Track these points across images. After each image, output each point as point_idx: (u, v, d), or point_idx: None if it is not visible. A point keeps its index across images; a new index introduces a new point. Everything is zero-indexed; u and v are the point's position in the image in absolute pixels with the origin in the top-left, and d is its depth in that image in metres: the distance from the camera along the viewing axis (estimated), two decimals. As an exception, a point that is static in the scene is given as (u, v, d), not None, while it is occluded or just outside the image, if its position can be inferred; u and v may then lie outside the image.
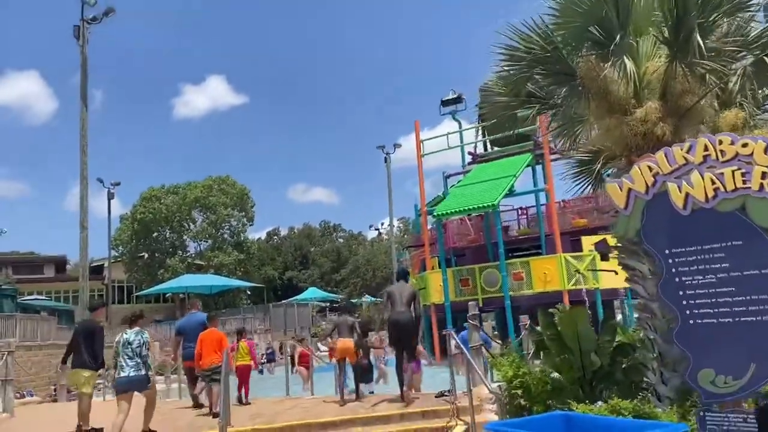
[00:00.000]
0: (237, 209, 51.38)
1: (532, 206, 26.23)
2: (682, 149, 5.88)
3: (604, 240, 23.80)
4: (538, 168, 27.12)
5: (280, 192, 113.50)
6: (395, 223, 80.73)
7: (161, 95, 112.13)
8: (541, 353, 9.54)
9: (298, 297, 51.81)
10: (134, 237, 48.62)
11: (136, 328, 8.17)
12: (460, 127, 29.01)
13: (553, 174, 23.09)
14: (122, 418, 7.77)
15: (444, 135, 26.08)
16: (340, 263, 76.67)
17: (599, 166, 11.16)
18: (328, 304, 59.20)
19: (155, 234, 49.47)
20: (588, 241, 22.44)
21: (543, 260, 21.97)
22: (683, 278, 5.92)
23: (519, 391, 8.06)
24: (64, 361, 9.20)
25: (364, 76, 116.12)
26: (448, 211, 22.25)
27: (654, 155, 6.23)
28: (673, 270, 5.89)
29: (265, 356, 29.40)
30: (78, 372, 8.45)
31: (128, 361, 7.86)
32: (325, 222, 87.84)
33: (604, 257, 23.66)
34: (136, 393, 8.01)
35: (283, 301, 48.22)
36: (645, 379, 8.03)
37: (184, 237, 51.21)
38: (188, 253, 51.18)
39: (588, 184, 11.91)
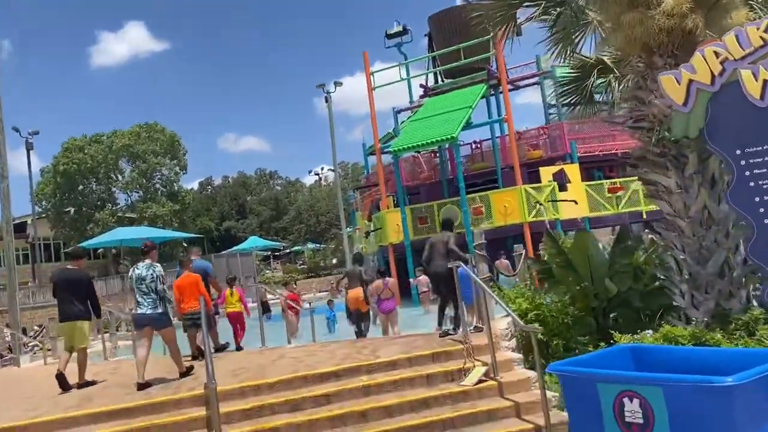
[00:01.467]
0: (168, 157, 48.52)
1: (486, 139, 25.42)
2: (759, 28, 4.94)
3: (562, 170, 23.32)
4: (492, 99, 26.34)
5: (211, 142, 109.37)
6: (327, 171, 79.45)
7: (76, 43, 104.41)
8: (546, 283, 8.75)
9: (240, 246, 49.99)
10: (58, 191, 45.21)
11: (147, 262, 7.65)
12: (406, 59, 27.58)
13: (510, 103, 22.28)
14: (144, 353, 7.38)
15: (395, 65, 24.66)
16: (279, 211, 74.79)
17: (593, 79, 10.25)
18: (270, 252, 57.69)
19: (81, 187, 46.19)
20: (546, 172, 21.94)
21: (503, 193, 21.32)
22: (760, 182, 5.11)
23: (536, 325, 7.22)
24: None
25: (290, 17, 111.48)
26: (405, 146, 21.15)
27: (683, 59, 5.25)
28: (746, 173, 5.07)
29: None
30: (74, 324, 7.81)
31: (145, 297, 7.43)
32: (260, 170, 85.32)
33: (562, 188, 23.31)
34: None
35: (224, 252, 46.38)
36: (673, 303, 7.33)
37: (113, 189, 48.16)
38: (118, 206, 48.24)
39: (577, 102, 11.03)
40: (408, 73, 26.35)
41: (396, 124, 26.74)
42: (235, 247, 50.47)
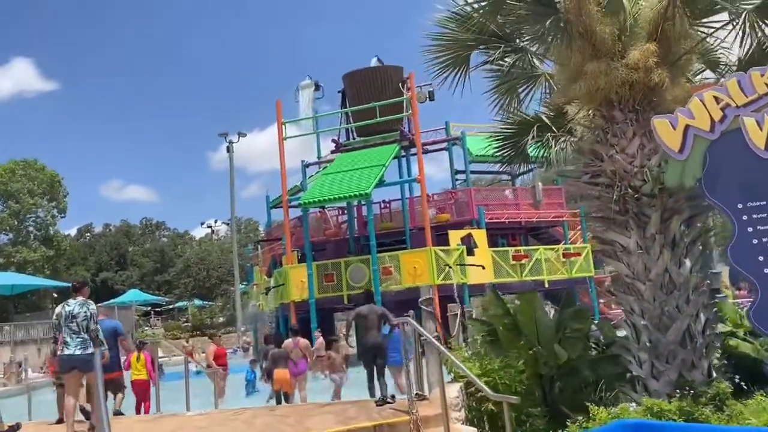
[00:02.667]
0: (46, 198, 44.64)
1: (395, 199, 25.11)
2: (763, 74, 4.69)
3: (470, 235, 23.30)
4: (403, 161, 26.26)
5: (93, 188, 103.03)
6: (227, 222, 76.76)
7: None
8: (485, 347, 8.06)
9: (118, 299, 46.28)
10: None
11: (80, 299, 7.15)
12: (316, 114, 27.09)
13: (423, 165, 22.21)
14: (72, 402, 7.02)
15: (309, 118, 24.06)
16: (164, 264, 70.56)
17: (531, 137, 10.01)
18: (150, 307, 53.85)
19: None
20: (455, 236, 21.79)
21: (413, 254, 20.86)
22: (764, 239, 4.75)
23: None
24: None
25: (188, 72, 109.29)
26: (316, 199, 20.32)
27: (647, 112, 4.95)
28: (749, 229, 4.71)
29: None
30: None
31: (74, 337, 6.90)
32: (146, 219, 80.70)
33: (470, 252, 23.24)
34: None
35: (102, 304, 42.59)
36: (627, 372, 6.85)
37: (-23, 229, 43.48)
38: (-19, 249, 43.51)
39: (511, 158, 10.78)
40: (316, 127, 25.82)
41: (304, 178, 25.94)
42: (112, 300, 46.70)
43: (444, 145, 26.48)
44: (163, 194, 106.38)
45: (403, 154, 25.20)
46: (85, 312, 6.97)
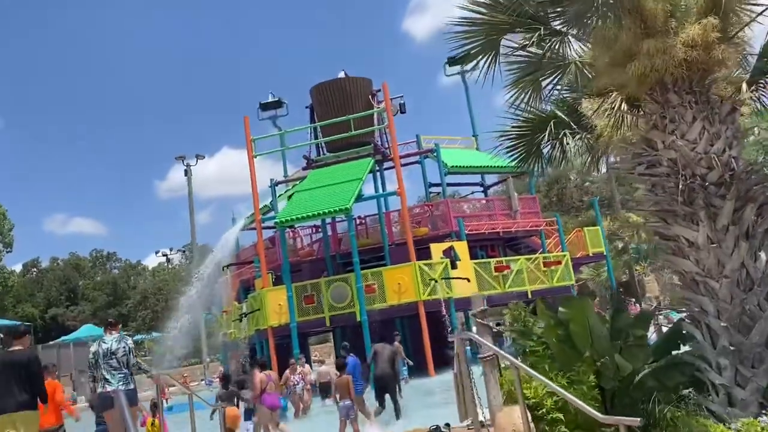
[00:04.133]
0: (-10, 233, 42.12)
1: (371, 215, 24.29)
2: None
3: (452, 247, 22.59)
4: (377, 175, 25.53)
5: (35, 223, 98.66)
6: (183, 250, 74.29)
7: None
8: (535, 361, 7.28)
9: (72, 336, 43.80)
10: None
11: (116, 335, 7.18)
12: (281, 131, 26.16)
13: (394, 178, 21.51)
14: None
15: (277, 134, 23.12)
16: (117, 296, 67.81)
17: (546, 133, 9.42)
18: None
19: None
20: (437, 249, 21.11)
21: (396, 270, 20.05)
22: None
23: (559, 416, 5.72)
24: None
25: (131, 96, 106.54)
26: (294, 217, 19.35)
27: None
28: None
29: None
30: (21, 415, 6.17)
31: (114, 373, 6.86)
32: (97, 251, 77.62)
33: (453, 265, 22.52)
34: None
35: (54, 342, 40.23)
36: (702, 379, 6.19)
37: None
38: None
39: (524, 157, 10.14)
40: (282, 144, 24.85)
41: (274, 197, 24.90)
42: (65, 337, 44.21)
43: (416, 158, 25.89)
44: (110, 225, 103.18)
45: (377, 168, 24.48)
46: (124, 347, 7.02)
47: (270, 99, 29.35)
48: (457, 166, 24.14)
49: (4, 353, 7.30)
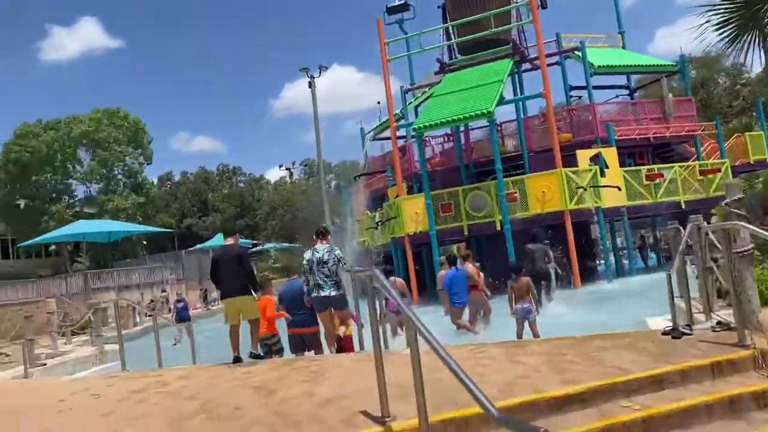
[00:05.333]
0: (132, 146, 44.71)
1: (506, 120, 23.05)
2: None
3: (599, 154, 20.97)
4: (515, 78, 24.02)
5: (162, 141, 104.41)
6: (298, 166, 76.27)
7: (25, 37, 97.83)
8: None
9: (209, 242, 46.59)
10: (9, 182, 40.95)
11: (326, 245, 7.63)
12: (407, 39, 25.01)
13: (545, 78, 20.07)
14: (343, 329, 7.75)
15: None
16: (243, 208, 71.19)
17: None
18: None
19: (35, 177, 42.00)
20: (584, 156, 19.74)
21: (540, 177, 18.97)
22: None
23: None
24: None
25: (250, 20, 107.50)
26: (432, 123, 18.60)
27: None
28: None
29: (175, 312, 19.60)
30: (242, 299, 7.40)
31: (326, 280, 7.47)
32: (223, 165, 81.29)
33: (602, 173, 21.00)
34: None
35: (196, 247, 42.90)
36: None
37: (70, 179, 44.03)
38: (76, 198, 44.17)
39: (738, 34, 8.75)
40: (408, 49, 23.77)
41: (404, 104, 24.23)
42: (204, 244, 47.11)
43: (556, 59, 24.03)
44: (229, 143, 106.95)
45: (515, 70, 22.97)
46: (334, 257, 7.56)
47: (396, 2, 28.15)
48: (604, 66, 22.18)
49: (222, 247, 8.09)
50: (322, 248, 7.69)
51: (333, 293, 7.55)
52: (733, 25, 8.32)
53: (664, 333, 5.47)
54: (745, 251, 5.07)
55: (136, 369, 8.53)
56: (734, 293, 5.00)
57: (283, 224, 46.38)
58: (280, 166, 65.78)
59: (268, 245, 51.87)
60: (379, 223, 22.27)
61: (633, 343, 5.29)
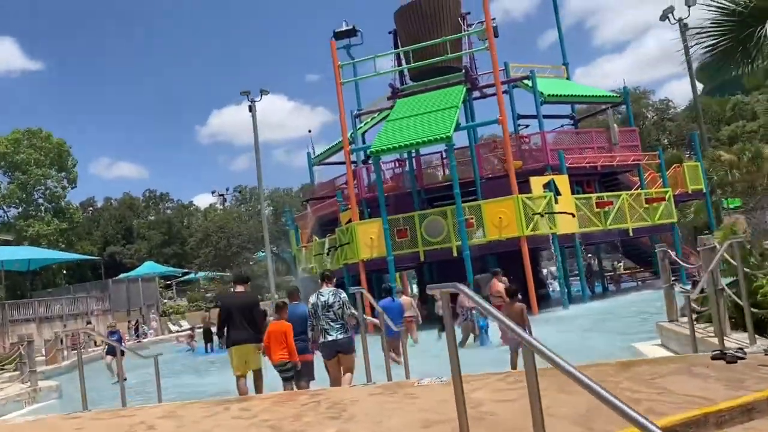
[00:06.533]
0: (54, 168, 42.13)
1: (461, 147, 22.98)
2: None
3: (552, 181, 21.20)
4: (466, 104, 24.05)
5: (82, 166, 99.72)
6: (231, 192, 74.33)
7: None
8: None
9: (136, 271, 44.22)
10: None
11: (331, 288, 7.59)
12: (354, 64, 24.76)
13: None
14: (349, 376, 7.39)
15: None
16: (171, 235, 68.56)
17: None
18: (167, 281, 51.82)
19: (-57, 200, 38.85)
20: (538, 183, 19.83)
21: (497, 203, 18.88)
22: None
23: None
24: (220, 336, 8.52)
25: (175, 42, 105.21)
26: (390, 146, 18.23)
27: None
28: None
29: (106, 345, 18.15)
30: (249, 348, 7.65)
31: (332, 324, 7.36)
32: (150, 191, 78.30)
33: (555, 200, 21.08)
34: None
35: (122, 276, 40.57)
36: None
37: (-16, 203, 41.01)
38: (-10, 224, 41.12)
39: (727, 57, 8.81)
40: (355, 74, 23.55)
41: (354, 128, 23.84)
42: (131, 272, 44.69)
43: (505, 88, 24.28)
44: (153, 170, 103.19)
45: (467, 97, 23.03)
46: (339, 301, 7.40)
47: (344, 27, 27.94)
48: (553, 95, 22.54)
49: (233, 294, 8.22)
50: (326, 291, 7.54)
51: (340, 337, 7.39)
52: (723, 48, 8.33)
53: (714, 357, 5.13)
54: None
55: (83, 408, 7.47)
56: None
57: (217, 252, 44.68)
58: (213, 192, 63.97)
59: (200, 274, 49.84)
60: (330, 249, 21.55)
61: (688, 369, 4.91)
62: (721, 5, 8.41)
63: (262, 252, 50.29)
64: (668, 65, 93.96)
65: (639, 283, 26.85)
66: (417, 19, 22.68)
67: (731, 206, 39.69)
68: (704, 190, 24.80)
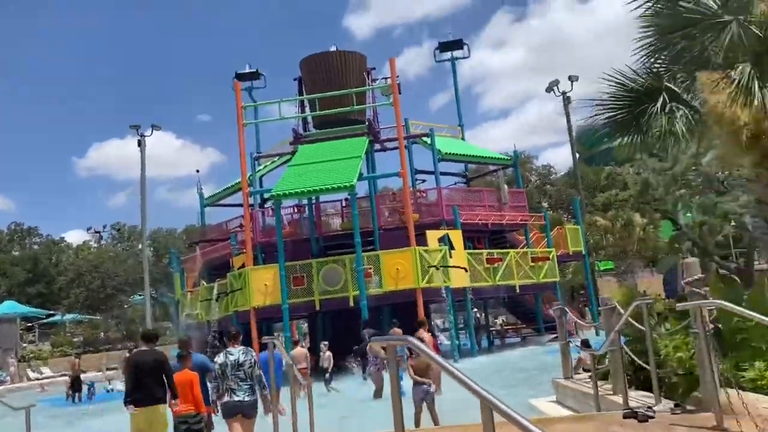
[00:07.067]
0: None
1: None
2: None
3: (447, 235, 21.87)
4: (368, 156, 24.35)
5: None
6: (108, 230, 70.14)
7: None
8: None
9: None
10: None
11: (240, 347, 7.36)
12: (255, 107, 24.64)
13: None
14: None
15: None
16: (37, 273, 63.23)
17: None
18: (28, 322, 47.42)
19: None
20: (433, 236, 20.29)
21: (395, 254, 19.06)
22: None
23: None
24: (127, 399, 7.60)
25: (54, 73, 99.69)
26: (293, 191, 18.01)
27: None
28: None
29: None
30: (155, 408, 7.20)
31: (241, 384, 7.07)
32: (16, 224, 72.25)
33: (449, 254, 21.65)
34: None
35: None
36: None
37: None
38: None
39: (623, 130, 9.58)
40: (256, 117, 23.38)
41: (253, 171, 23.41)
42: (-12, 311, 40.46)
43: (404, 143, 24.92)
44: (19, 201, 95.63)
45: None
46: (250, 359, 7.22)
47: (247, 69, 27.78)
48: (450, 153, 23.41)
49: (141, 351, 7.79)
50: (236, 351, 7.29)
51: (246, 398, 7.06)
52: (619, 122, 9.03)
53: (626, 416, 5.30)
54: (708, 330, 5.12)
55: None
56: (702, 373, 5.00)
57: (89, 293, 41.60)
58: (88, 229, 60.16)
59: (68, 316, 46.09)
60: (220, 295, 20.69)
61: (605, 428, 5.04)
62: (620, 81, 9.15)
63: (139, 295, 47.55)
64: (547, 134, 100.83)
65: (521, 338, 27.88)
66: (324, 70, 22.96)
67: (602, 269, 42.69)
68: (583, 252, 26.38)
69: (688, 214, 39.75)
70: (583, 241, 26.53)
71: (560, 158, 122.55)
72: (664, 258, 37.93)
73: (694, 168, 32.97)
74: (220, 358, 7.28)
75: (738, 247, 30.19)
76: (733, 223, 33.76)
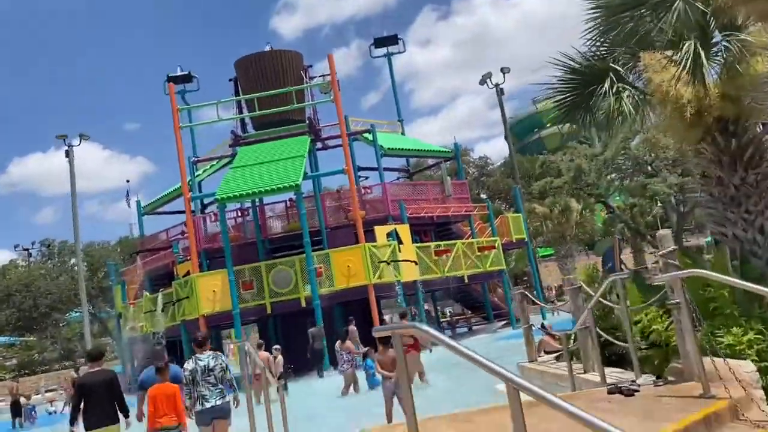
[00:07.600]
0: None
1: (306, 196, 22.81)
2: None
3: (395, 230, 21.96)
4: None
5: None
6: (37, 247, 66.85)
7: None
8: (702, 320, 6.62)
9: None
10: None
11: (209, 352, 7.28)
12: (189, 110, 24.08)
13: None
14: None
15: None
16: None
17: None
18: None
19: None
20: (382, 232, 20.29)
21: (345, 252, 18.94)
22: None
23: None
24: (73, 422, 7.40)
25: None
26: (237, 193, 17.59)
27: None
28: None
29: None
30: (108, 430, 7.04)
31: (212, 389, 7.02)
32: (-68, 246, 67.92)
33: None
34: None
35: None
36: None
37: None
38: None
39: (572, 112, 9.83)
40: (191, 120, 22.84)
41: (192, 176, 22.76)
42: None
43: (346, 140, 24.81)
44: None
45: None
46: (220, 364, 7.19)
47: (179, 72, 27.02)
48: (393, 149, 23.46)
49: (90, 373, 7.50)
50: (205, 356, 7.22)
51: (219, 402, 7.05)
52: (568, 105, 9.21)
53: (610, 392, 5.39)
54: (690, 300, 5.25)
55: None
56: (681, 343, 5.14)
57: (21, 313, 39.53)
58: (16, 247, 57.24)
59: (1, 338, 43.74)
60: (166, 305, 20.03)
61: (594, 405, 5.09)
62: (566, 64, 9.33)
63: (76, 312, 45.58)
64: (478, 128, 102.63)
65: (470, 328, 28.26)
66: (260, 69, 22.56)
67: (542, 255, 43.82)
68: (525, 239, 26.94)
69: (618, 198, 41.47)
70: (525, 228, 27.08)
71: (493, 150, 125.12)
72: (601, 240, 39.44)
73: (623, 152, 34.42)
74: (189, 365, 7.17)
75: (665, 226, 31.67)
76: (659, 204, 35.41)
